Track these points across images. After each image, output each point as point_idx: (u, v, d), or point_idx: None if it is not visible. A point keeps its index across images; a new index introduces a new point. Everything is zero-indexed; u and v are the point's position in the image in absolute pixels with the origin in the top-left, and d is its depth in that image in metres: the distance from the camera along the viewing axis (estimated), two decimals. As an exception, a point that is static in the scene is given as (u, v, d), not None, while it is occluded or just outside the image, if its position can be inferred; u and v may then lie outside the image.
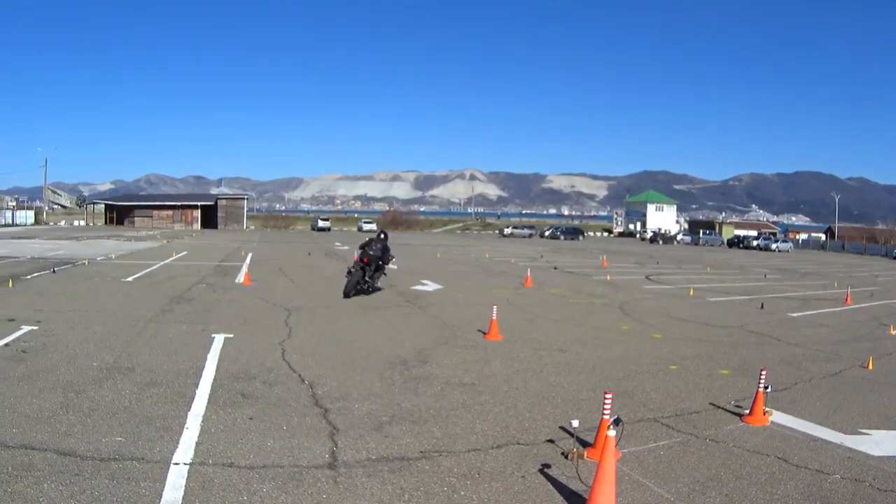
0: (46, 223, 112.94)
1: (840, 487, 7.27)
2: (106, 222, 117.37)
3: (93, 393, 9.38)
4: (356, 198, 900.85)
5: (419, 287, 25.29)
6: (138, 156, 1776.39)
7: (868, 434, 9.20)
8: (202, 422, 8.21)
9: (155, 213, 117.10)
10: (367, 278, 22.75)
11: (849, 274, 49.41)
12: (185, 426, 8.02)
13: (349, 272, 22.62)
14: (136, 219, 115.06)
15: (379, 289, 23.74)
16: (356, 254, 23.23)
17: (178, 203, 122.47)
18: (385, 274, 24.74)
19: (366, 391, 10.03)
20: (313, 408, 9.05)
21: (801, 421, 9.62)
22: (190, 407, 8.80)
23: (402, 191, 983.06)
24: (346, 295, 21.71)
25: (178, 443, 7.44)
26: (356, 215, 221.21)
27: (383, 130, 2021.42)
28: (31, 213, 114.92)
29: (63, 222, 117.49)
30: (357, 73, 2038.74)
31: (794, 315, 22.22)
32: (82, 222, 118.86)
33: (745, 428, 9.21)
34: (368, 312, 18.40)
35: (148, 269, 29.34)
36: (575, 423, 7.77)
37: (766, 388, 9.67)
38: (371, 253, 22.76)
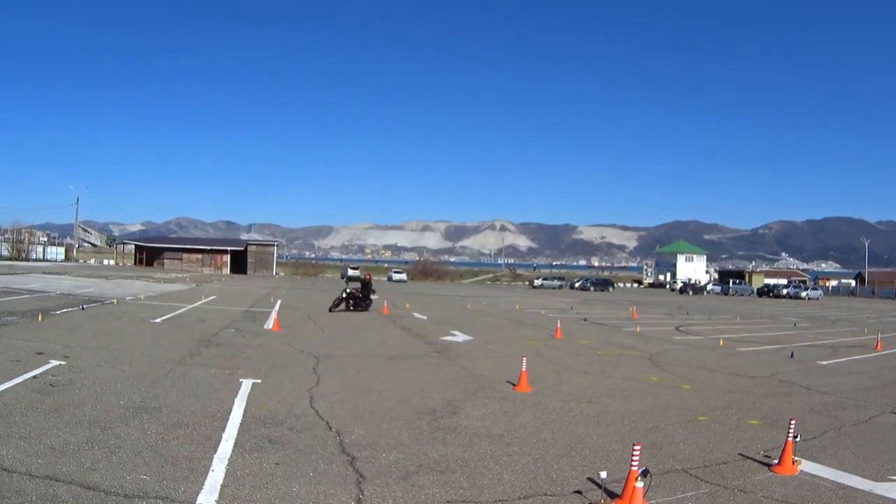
0: (76, 260, 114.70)
1: None
2: (135, 263, 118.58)
3: (119, 430, 9.43)
4: (386, 247, 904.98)
5: (448, 338, 25.21)
6: (169, 198, 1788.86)
7: None
8: (228, 465, 8.20)
9: (185, 255, 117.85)
10: (351, 305, 35.74)
11: (879, 319, 49.30)
12: (211, 468, 8.01)
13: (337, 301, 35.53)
14: (165, 261, 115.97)
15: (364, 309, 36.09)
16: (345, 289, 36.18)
17: (208, 247, 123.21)
18: (370, 301, 37.08)
19: (393, 440, 9.97)
20: (340, 455, 9.00)
21: (830, 469, 9.50)
22: (216, 450, 8.80)
23: (433, 241, 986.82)
24: (330, 309, 34.80)
25: (202, 484, 7.44)
26: (386, 265, 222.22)
27: (414, 180, 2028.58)
28: (61, 250, 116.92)
29: (93, 260, 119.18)
30: (386, 119, 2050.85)
31: (824, 363, 22.05)
32: (112, 261, 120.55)
33: (774, 478, 9.09)
34: (397, 362, 18.36)
35: (177, 312, 29.59)
36: (603, 475, 7.75)
37: (795, 437, 9.55)
38: (349, 291, 36.25)
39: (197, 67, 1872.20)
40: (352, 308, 35.38)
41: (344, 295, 35.45)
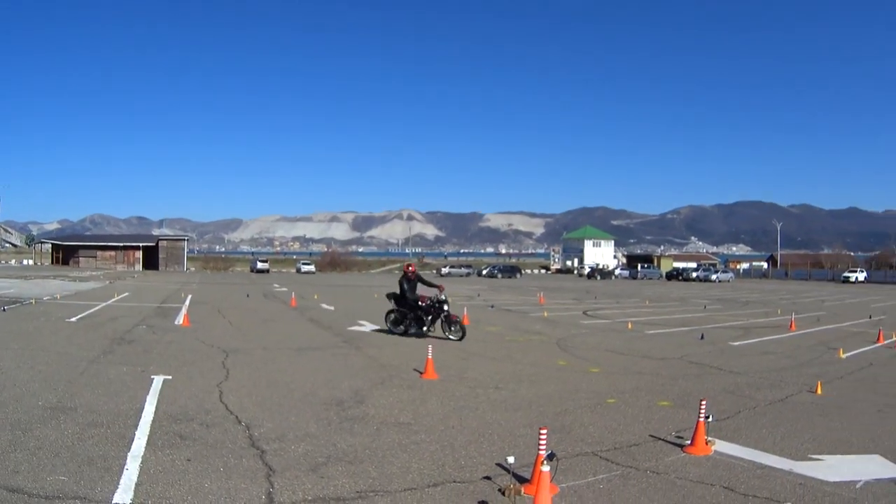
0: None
1: None
2: (53, 262, 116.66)
3: (38, 431, 9.32)
4: (295, 239, 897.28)
5: (356, 328, 25.26)
6: (83, 196, 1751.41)
7: (820, 460, 9.15)
8: (141, 463, 8.14)
9: (99, 253, 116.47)
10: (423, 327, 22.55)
11: (793, 301, 50.35)
12: (126, 467, 7.95)
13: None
14: (80, 259, 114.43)
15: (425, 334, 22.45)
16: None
17: (121, 244, 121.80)
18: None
19: (302, 432, 9.98)
20: (250, 449, 8.99)
21: (746, 449, 9.56)
22: (130, 448, 8.72)
23: (341, 232, 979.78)
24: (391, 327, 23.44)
25: (118, 483, 7.39)
26: (294, 257, 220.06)
27: (321, 171, 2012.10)
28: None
29: (14, 261, 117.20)
30: (294, 113, 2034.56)
31: (736, 344, 22.51)
32: (31, 261, 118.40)
33: (687, 458, 9.14)
34: (305, 354, 18.34)
35: (91, 310, 29.17)
36: (511, 460, 7.73)
37: (707, 417, 9.61)
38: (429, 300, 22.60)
39: (101, 63, 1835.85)
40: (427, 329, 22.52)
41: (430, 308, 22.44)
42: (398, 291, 23.02)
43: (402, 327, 22.86)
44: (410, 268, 23.94)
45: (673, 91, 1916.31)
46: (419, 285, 23.18)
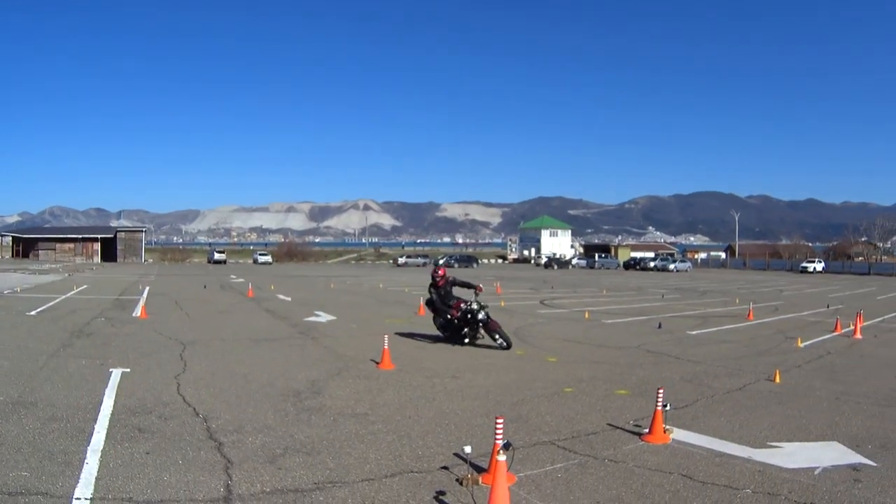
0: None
1: (752, 502, 7.29)
2: (13, 255, 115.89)
3: (0, 427, 9.30)
4: (252, 229, 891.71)
5: (313, 318, 25.20)
6: (43, 188, 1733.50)
7: (779, 447, 9.20)
8: (101, 457, 8.12)
9: (58, 245, 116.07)
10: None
11: (752, 290, 50.57)
12: (85, 461, 7.93)
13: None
14: (40, 252, 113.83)
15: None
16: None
17: (80, 236, 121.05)
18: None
19: (259, 424, 9.98)
20: (208, 441, 8.99)
21: (704, 437, 9.61)
22: (89, 442, 8.70)
23: (297, 222, 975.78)
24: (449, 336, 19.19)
25: (78, 478, 7.38)
26: (251, 247, 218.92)
27: (279, 162, 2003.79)
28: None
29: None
30: (249, 102, 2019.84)
31: (694, 333, 22.58)
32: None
33: (646, 447, 9.17)
34: (262, 345, 18.29)
35: (51, 303, 28.89)
36: (467, 450, 7.74)
37: (664, 406, 9.66)
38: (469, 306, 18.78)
39: (56, 54, 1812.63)
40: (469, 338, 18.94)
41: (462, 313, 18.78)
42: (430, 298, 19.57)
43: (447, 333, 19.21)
44: (440, 272, 19.76)
45: (631, 80, 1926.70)
46: (454, 289, 19.74)
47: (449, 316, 18.89)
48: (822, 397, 12.82)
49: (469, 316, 18.46)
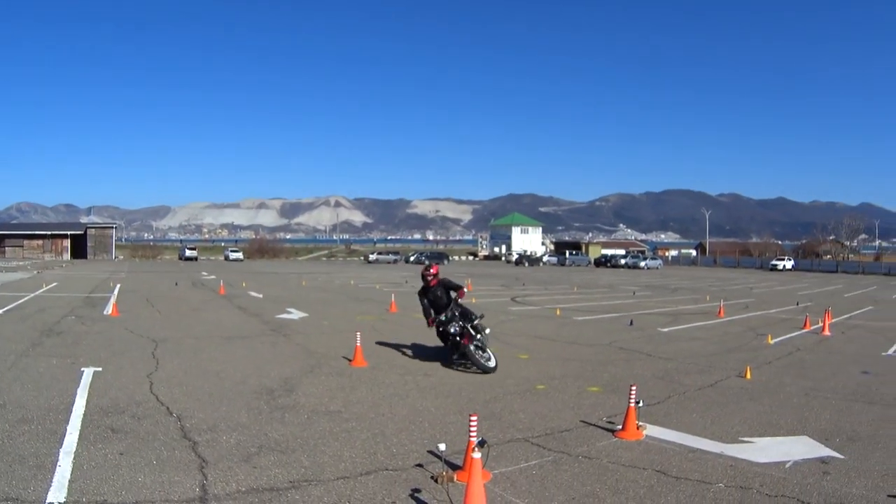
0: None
1: (725, 496, 7.38)
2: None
3: (-34, 431, 9.10)
4: (223, 226, 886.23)
5: (284, 315, 25.08)
6: (9, 183, 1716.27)
7: (751, 442, 9.37)
8: (74, 458, 8.02)
9: (26, 242, 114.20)
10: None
11: (722, 288, 51.05)
12: (58, 464, 7.83)
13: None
14: (6, 249, 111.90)
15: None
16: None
17: (48, 232, 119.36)
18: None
19: (233, 422, 9.92)
20: (182, 441, 8.91)
21: (677, 433, 9.73)
22: (61, 444, 8.59)
23: (269, 218, 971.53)
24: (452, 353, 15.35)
25: (51, 481, 7.28)
26: (223, 244, 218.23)
27: (249, 158, 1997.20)
28: None
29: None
30: (221, 98, 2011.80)
31: (665, 330, 22.69)
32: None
33: (619, 443, 9.25)
34: (234, 342, 18.18)
35: (19, 301, 28.53)
36: (442, 447, 7.77)
37: (637, 402, 9.69)
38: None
39: (24, 46, 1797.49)
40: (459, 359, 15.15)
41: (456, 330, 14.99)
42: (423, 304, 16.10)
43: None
44: (432, 269, 16.29)
45: (602, 77, 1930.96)
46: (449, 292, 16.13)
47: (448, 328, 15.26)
48: (792, 393, 12.99)
49: (440, 329, 15.52)
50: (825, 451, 9.01)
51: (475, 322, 15.19)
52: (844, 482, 7.87)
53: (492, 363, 14.69)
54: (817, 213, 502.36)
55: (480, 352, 14.80)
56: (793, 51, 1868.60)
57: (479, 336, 14.93)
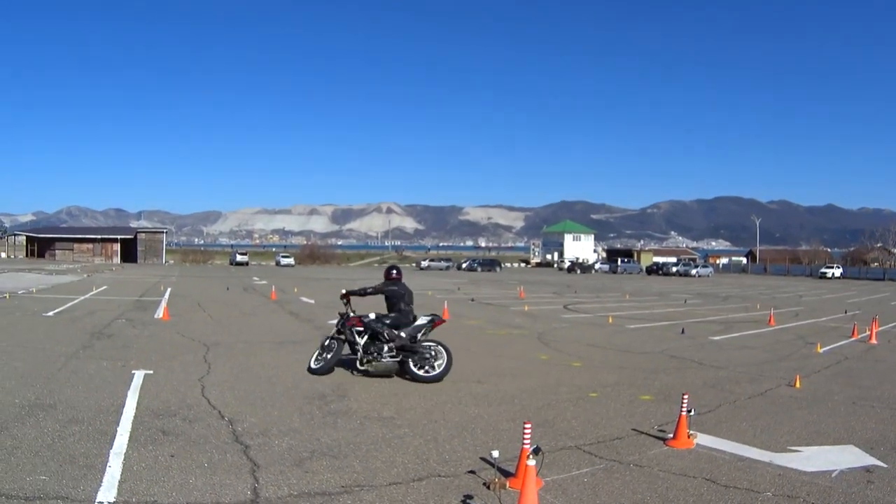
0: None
1: None
2: (27, 255, 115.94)
3: (16, 430, 9.18)
4: (274, 231, 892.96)
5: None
6: (59, 187, 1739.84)
7: (798, 451, 9.30)
8: (124, 460, 8.05)
9: (76, 246, 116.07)
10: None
11: (772, 296, 50.76)
12: (108, 464, 7.85)
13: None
14: (56, 252, 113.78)
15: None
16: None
17: (99, 236, 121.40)
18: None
19: (285, 427, 9.92)
20: (234, 444, 8.92)
21: (727, 442, 9.67)
22: (112, 444, 8.63)
23: (320, 224, 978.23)
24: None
25: (101, 481, 7.30)
26: (274, 249, 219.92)
27: (301, 164, 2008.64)
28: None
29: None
30: (274, 104, 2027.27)
31: (716, 338, 22.56)
32: (3, 254, 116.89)
33: (670, 452, 9.20)
34: (286, 347, 18.27)
35: (68, 304, 28.92)
36: (495, 454, 7.70)
37: (689, 411, 9.64)
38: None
39: (78, 55, 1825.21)
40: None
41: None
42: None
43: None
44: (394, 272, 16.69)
45: (655, 86, 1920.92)
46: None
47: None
48: (839, 402, 12.94)
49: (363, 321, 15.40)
50: (870, 460, 8.99)
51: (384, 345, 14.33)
52: (888, 491, 7.85)
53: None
54: (866, 219, 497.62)
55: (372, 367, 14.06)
56: (846, 56, 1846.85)
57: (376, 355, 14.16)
